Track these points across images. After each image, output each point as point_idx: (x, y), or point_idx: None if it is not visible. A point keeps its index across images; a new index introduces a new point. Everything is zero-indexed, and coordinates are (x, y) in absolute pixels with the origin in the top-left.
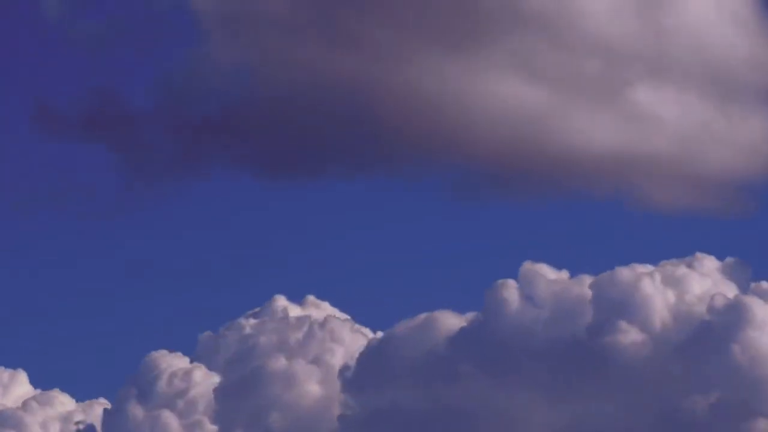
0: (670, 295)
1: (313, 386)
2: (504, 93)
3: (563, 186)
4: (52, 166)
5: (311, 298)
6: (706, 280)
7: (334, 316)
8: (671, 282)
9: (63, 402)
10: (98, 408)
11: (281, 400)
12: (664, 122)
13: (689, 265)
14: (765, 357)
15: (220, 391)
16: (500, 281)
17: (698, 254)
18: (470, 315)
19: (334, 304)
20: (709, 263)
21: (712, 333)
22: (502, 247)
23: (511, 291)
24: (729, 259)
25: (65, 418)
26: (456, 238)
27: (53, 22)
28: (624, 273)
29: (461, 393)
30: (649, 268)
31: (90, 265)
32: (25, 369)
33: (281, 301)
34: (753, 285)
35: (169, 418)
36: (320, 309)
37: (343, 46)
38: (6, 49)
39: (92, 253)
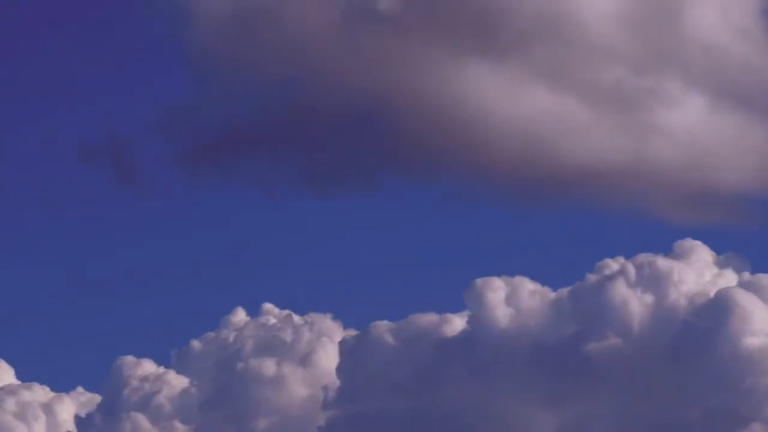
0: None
1: (295, 389)
2: (518, 102)
3: (570, 195)
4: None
5: (268, 306)
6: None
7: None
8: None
9: (43, 393)
10: (76, 398)
11: (264, 404)
12: (674, 134)
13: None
14: (756, 357)
15: (199, 399)
16: (480, 280)
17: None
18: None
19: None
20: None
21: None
22: (501, 252)
23: (493, 290)
24: (720, 257)
25: (45, 407)
26: (448, 242)
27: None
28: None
29: (445, 397)
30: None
31: (81, 266)
32: (12, 364)
33: (240, 314)
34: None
35: (144, 422)
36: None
37: (357, 55)
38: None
39: (85, 254)
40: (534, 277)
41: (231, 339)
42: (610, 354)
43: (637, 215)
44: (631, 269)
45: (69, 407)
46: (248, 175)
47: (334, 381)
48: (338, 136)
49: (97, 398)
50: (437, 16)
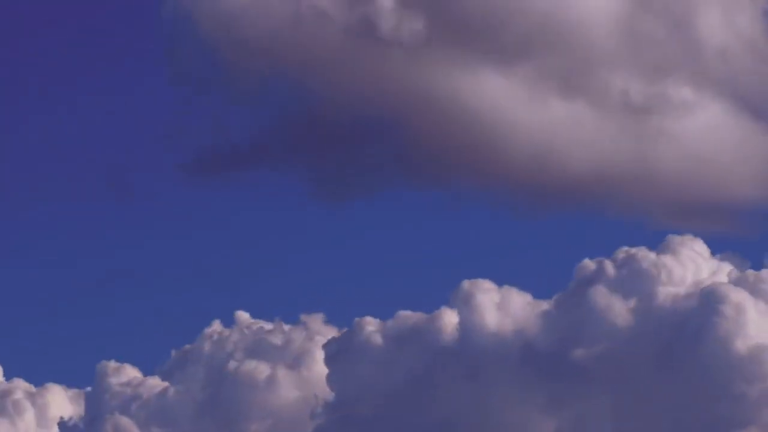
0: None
1: (288, 392)
2: (526, 109)
3: (576, 202)
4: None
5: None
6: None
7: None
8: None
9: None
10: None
11: (255, 408)
12: (682, 140)
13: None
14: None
15: (188, 404)
16: (467, 282)
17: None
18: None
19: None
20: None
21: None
22: (501, 255)
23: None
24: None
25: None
26: (449, 245)
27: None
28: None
29: (435, 397)
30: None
31: (78, 267)
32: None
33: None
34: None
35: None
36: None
37: (363, 62)
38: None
39: (83, 255)
40: (534, 283)
41: (224, 341)
42: (600, 357)
43: (644, 222)
44: (611, 268)
45: (53, 405)
46: (251, 180)
47: (324, 386)
48: (344, 144)
49: (81, 396)
50: (444, 22)
